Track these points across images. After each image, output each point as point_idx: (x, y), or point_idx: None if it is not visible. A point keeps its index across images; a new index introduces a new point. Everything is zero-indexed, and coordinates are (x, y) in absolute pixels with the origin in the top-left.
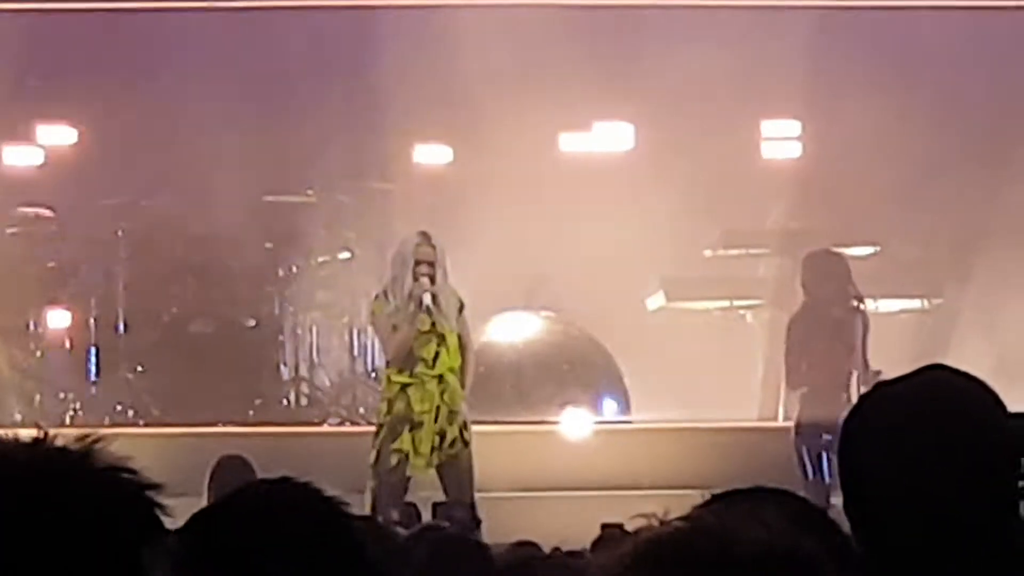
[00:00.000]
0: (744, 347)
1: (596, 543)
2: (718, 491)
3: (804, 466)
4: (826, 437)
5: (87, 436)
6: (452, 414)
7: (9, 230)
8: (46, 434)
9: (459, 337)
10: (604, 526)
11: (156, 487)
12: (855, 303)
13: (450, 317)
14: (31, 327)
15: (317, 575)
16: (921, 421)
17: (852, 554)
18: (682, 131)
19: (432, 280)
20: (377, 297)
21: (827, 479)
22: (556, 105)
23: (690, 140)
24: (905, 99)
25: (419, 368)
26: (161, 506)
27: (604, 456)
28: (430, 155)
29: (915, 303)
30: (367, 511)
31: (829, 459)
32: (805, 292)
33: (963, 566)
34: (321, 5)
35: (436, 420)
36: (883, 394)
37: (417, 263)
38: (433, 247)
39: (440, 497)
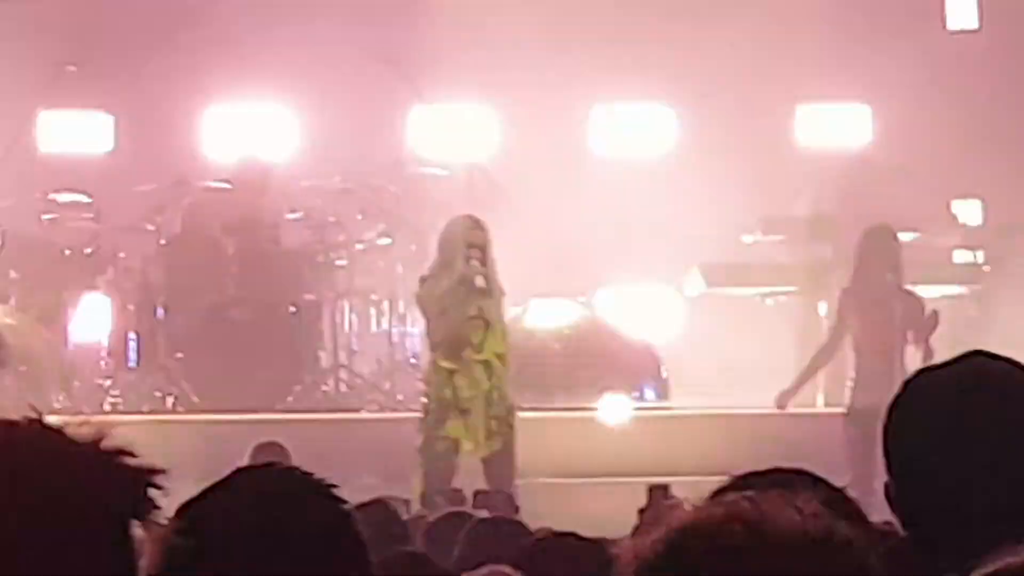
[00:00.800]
0: (782, 332)
1: (644, 508)
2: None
3: (852, 450)
4: (875, 421)
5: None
6: (501, 399)
7: (46, 216)
8: (40, 416)
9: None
10: (651, 488)
11: (155, 472)
12: (906, 286)
13: (497, 302)
14: (70, 314)
15: (312, 562)
16: (964, 406)
17: (877, 537)
18: (722, 116)
19: (483, 263)
20: (424, 280)
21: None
22: (595, 90)
23: (729, 125)
24: (947, 82)
25: (466, 353)
26: (159, 488)
27: (643, 442)
28: (470, 141)
29: (955, 289)
30: (415, 497)
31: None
32: (858, 270)
33: (1007, 549)
34: None
35: (487, 406)
36: (927, 380)
37: (470, 246)
38: (484, 231)
39: (481, 484)
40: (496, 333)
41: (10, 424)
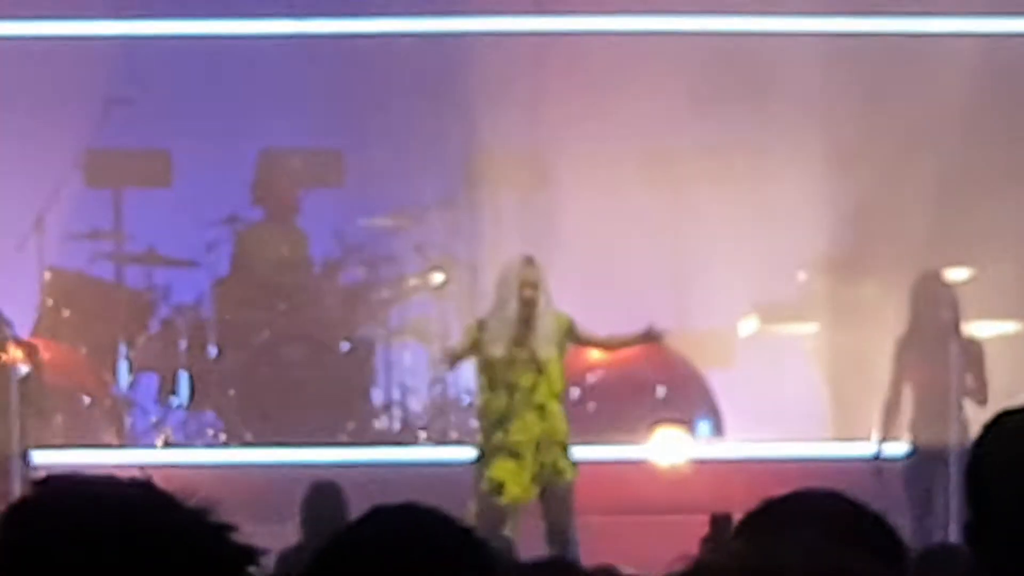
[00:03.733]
0: (834, 372)
1: (707, 537)
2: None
3: (913, 496)
4: (932, 459)
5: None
6: (552, 444)
7: (99, 255)
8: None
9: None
10: (714, 517)
11: (257, 553)
12: (962, 329)
13: (551, 342)
14: (123, 351)
15: None
16: None
17: (902, 553)
18: (775, 150)
19: (535, 302)
20: (480, 322)
21: (940, 508)
22: (645, 129)
23: (781, 160)
24: (996, 117)
25: (517, 397)
26: (258, 566)
27: (698, 480)
28: (521, 178)
29: (1011, 326)
30: None
31: (939, 488)
32: (913, 316)
33: None
34: (412, 31)
35: (537, 450)
36: (1010, 421)
37: (522, 285)
38: (536, 268)
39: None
40: (552, 376)
41: (117, 484)
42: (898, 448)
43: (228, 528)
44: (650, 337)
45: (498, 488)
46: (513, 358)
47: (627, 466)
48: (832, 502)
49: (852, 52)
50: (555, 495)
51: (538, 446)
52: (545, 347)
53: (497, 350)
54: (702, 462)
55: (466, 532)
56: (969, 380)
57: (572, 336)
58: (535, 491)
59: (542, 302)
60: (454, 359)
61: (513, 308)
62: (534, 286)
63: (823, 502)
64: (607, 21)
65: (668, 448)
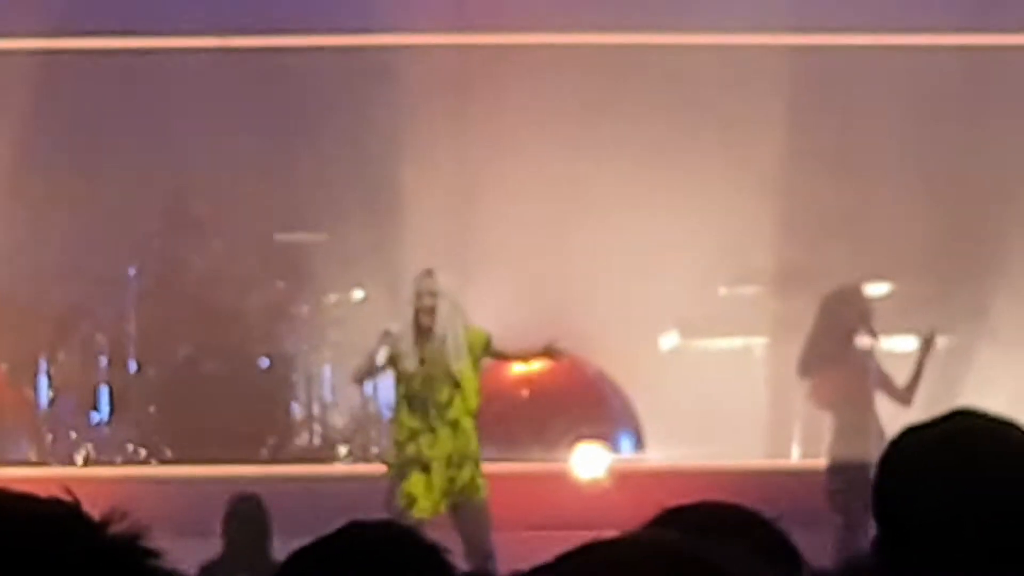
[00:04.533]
0: (756, 385)
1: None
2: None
3: (835, 507)
4: (854, 473)
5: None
6: (464, 459)
7: (20, 270)
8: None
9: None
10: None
11: (141, 537)
12: (875, 339)
13: (462, 356)
14: (43, 367)
15: None
16: (949, 466)
17: (800, 565)
18: (695, 166)
19: (433, 310)
20: (389, 335)
21: (863, 520)
22: (567, 144)
23: (701, 176)
24: (919, 134)
25: (432, 412)
26: (154, 554)
27: (618, 495)
28: (444, 194)
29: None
30: None
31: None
32: (827, 327)
33: None
34: (331, 45)
35: (448, 466)
36: (913, 439)
37: (419, 295)
38: (434, 279)
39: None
40: (466, 391)
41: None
42: (820, 460)
43: (155, 553)
44: (550, 352)
45: (412, 502)
46: (429, 373)
47: (546, 481)
48: (730, 513)
49: (779, 66)
50: (469, 511)
51: (449, 461)
52: (456, 361)
53: (410, 364)
54: (622, 476)
55: (433, 549)
56: (887, 390)
57: (489, 351)
58: (444, 506)
59: (443, 311)
60: (362, 375)
61: (414, 318)
62: (432, 294)
63: (721, 513)
64: (531, 37)
65: (588, 463)
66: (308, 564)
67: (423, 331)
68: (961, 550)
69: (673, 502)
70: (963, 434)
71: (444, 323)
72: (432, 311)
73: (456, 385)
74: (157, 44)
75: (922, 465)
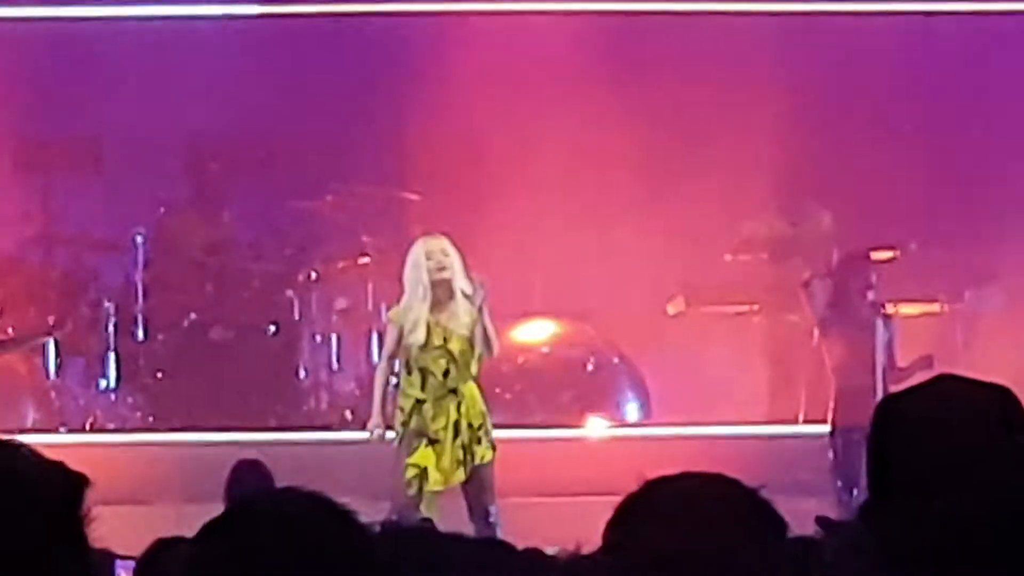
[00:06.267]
0: (762, 351)
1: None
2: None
3: (837, 466)
4: (856, 438)
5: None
6: (472, 427)
7: (28, 236)
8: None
9: (484, 329)
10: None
11: (79, 489)
12: (881, 306)
13: (464, 324)
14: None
15: None
16: (930, 431)
17: (784, 535)
18: (701, 134)
19: (445, 267)
20: (399, 312)
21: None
22: (574, 110)
23: (709, 143)
24: (924, 100)
25: (431, 382)
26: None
27: (625, 461)
28: (451, 159)
29: (935, 307)
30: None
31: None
32: (834, 293)
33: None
34: (345, 12)
35: (456, 436)
36: (895, 405)
37: (428, 255)
38: (440, 240)
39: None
40: (462, 361)
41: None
42: (824, 426)
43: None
44: None
45: (421, 475)
46: (427, 343)
47: (552, 447)
48: (714, 484)
49: (780, 32)
50: (475, 476)
51: (456, 430)
52: (458, 328)
53: (418, 336)
54: (629, 442)
55: (347, 516)
56: (894, 357)
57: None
58: (461, 475)
59: (457, 269)
60: (389, 359)
61: (425, 282)
62: (444, 252)
63: (705, 484)
64: (541, 4)
65: (595, 429)
66: (222, 534)
67: (436, 295)
68: (938, 513)
69: (679, 468)
70: (942, 399)
71: (457, 284)
72: (444, 267)
73: (452, 356)
74: (165, 11)
75: (901, 431)
